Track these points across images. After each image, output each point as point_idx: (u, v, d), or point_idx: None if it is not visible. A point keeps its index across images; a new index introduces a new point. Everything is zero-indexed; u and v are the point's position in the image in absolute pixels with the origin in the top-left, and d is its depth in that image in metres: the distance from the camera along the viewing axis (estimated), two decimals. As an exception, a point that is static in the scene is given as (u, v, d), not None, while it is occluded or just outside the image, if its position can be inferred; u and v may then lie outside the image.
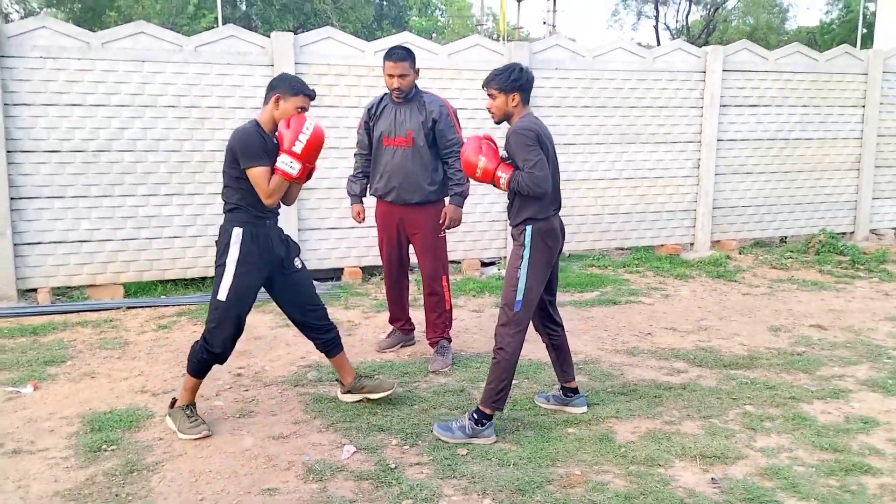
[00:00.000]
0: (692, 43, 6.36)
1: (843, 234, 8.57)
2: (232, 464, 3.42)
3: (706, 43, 34.60)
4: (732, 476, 3.33)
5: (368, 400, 4.06)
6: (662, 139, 7.55)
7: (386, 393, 4.03)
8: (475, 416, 3.66)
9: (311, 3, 35.43)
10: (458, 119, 4.74)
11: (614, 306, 6.05)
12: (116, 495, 3.16)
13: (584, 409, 3.94)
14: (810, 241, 8.14)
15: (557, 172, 3.73)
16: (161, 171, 6.06)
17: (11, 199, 5.70)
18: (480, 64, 6.88)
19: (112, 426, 3.81)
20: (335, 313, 5.78)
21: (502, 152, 3.73)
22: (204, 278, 6.41)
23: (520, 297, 3.62)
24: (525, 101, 3.68)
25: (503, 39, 28.58)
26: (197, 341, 3.76)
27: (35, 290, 5.95)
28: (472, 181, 4.15)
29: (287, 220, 6.32)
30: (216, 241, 3.70)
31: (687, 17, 42.57)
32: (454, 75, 6.79)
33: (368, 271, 6.83)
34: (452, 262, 7.19)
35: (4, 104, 5.57)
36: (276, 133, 3.61)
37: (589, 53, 7.25)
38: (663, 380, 4.48)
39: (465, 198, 4.76)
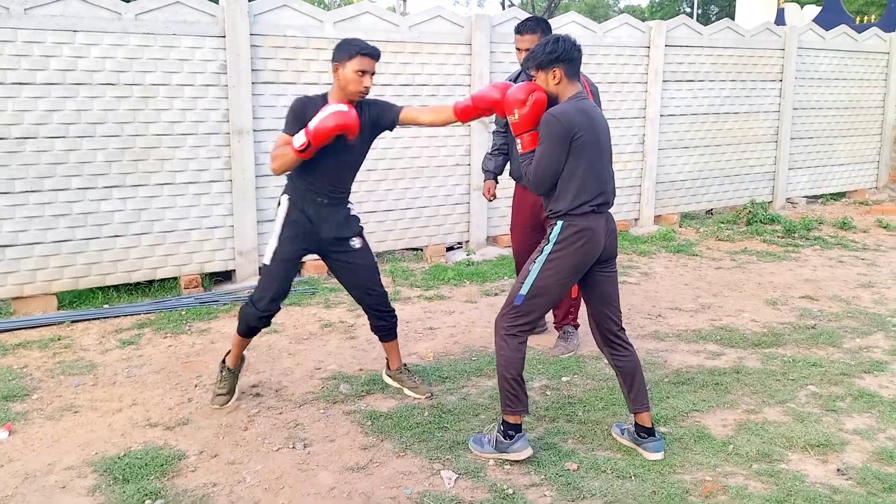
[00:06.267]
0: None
1: (762, 203, 8.91)
2: (327, 509, 2.90)
3: (550, 18, 35.51)
4: (851, 464, 3.24)
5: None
6: (612, 115, 7.45)
7: (418, 397, 3.89)
8: (501, 428, 3.27)
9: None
10: (596, 97, 4.30)
11: (603, 288, 5.89)
12: (204, 565, 2.56)
13: (660, 455, 3.26)
14: (740, 213, 8.41)
15: (606, 166, 3.21)
16: (98, 159, 5.17)
17: (-87, 198, 4.64)
18: (442, 37, 6.43)
19: (139, 474, 3.14)
20: (318, 313, 5.24)
21: None
22: (151, 281, 5.58)
23: (524, 291, 3.17)
24: (570, 75, 3.15)
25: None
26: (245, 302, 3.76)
27: (-56, 307, 4.92)
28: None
29: (244, 210, 5.68)
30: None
31: (532, -7, 43.56)
32: (416, 49, 6.30)
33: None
34: (414, 249, 6.78)
35: None
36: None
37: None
38: (710, 364, 4.35)
39: None
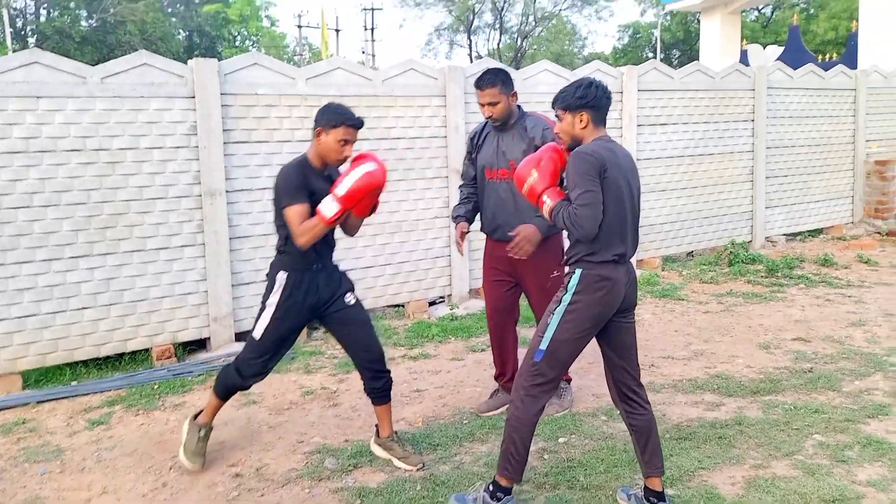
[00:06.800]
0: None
1: (742, 243, 8.87)
2: None
3: (517, 68, 36.12)
4: (871, 521, 3.07)
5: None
6: (589, 161, 7.40)
7: (409, 468, 3.66)
8: (490, 488, 3.10)
9: (115, 35, 32.95)
10: None
11: (591, 339, 5.74)
12: None
13: None
14: (721, 254, 8.35)
15: (630, 211, 3.08)
16: (64, 229, 4.96)
17: None
18: (416, 89, 6.36)
19: (111, 572, 2.88)
20: (299, 379, 5.01)
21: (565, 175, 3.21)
22: (122, 354, 5.32)
23: (543, 346, 3.03)
24: (597, 121, 3.10)
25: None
26: (229, 364, 3.70)
27: None
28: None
29: (218, 274, 5.47)
30: (267, 275, 3.68)
31: (499, 45, 44.37)
32: (390, 102, 6.20)
33: (312, 325, 6.04)
34: (396, 305, 6.59)
35: None
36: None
37: (518, 75, 6.96)
38: (710, 416, 4.18)
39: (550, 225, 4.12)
